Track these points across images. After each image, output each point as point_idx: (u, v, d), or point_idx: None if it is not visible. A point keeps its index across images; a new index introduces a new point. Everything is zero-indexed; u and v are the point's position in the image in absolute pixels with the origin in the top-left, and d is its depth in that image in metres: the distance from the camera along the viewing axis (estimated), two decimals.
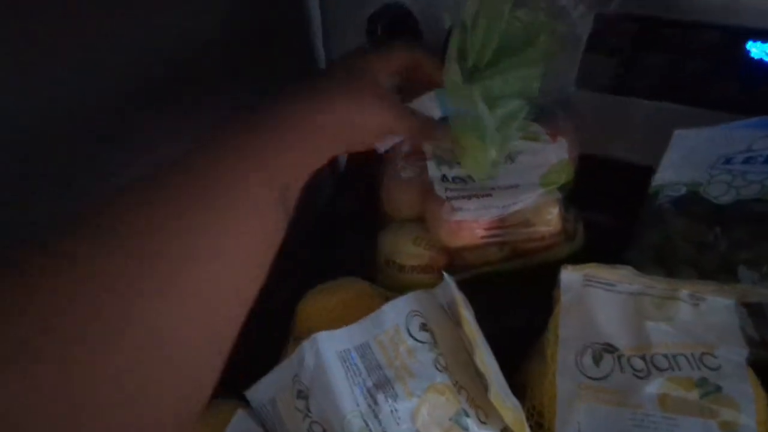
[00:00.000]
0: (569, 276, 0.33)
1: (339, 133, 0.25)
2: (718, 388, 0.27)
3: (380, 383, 0.29)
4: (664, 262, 0.37)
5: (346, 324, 0.31)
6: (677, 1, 0.33)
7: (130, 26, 0.31)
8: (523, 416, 0.29)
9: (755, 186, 0.32)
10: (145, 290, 0.14)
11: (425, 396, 0.29)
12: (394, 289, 0.37)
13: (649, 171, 0.37)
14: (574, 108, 0.37)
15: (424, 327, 0.32)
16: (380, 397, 0.28)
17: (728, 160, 0.31)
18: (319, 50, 0.48)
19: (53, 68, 0.27)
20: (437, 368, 0.30)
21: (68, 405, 0.12)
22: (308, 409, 0.28)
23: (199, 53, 0.37)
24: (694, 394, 0.27)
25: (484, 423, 0.29)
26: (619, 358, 0.29)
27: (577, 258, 0.34)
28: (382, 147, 0.33)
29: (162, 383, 0.15)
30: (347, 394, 0.27)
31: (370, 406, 0.28)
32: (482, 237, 0.36)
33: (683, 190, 0.34)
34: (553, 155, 0.34)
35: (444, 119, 0.32)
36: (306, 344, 0.28)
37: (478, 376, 0.31)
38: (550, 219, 0.37)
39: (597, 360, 0.30)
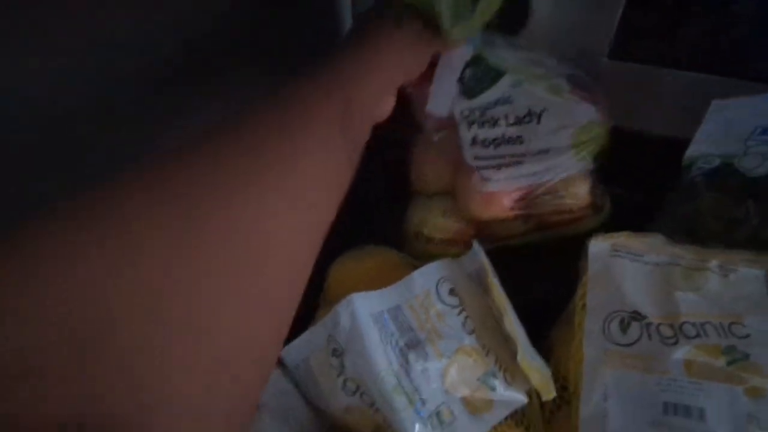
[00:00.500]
0: (597, 246, 0.33)
1: (391, 59, 0.26)
2: (746, 356, 0.28)
3: (412, 344, 0.30)
4: (693, 237, 0.37)
5: (377, 289, 0.32)
6: None
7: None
8: (550, 378, 0.30)
9: None
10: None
11: (454, 357, 0.30)
12: (422, 259, 0.37)
13: (679, 144, 0.36)
14: (605, 79, 0.37)
15: (452, 292, 0.32)
16: (412, 356, 0.29)
17: (765, 131, 0.30)
18: (347, 15, 0.48)
19: (73, 46, 0.27)
20: (465, 331, 0.31)
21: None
22: (343, 367, 0.30)
23: (223, 23, 0.37)
24: (721, 361, 0.28)
25: (510, 384, 0.30)
26: (647, 325, 0.30)
27: (602, 232, 0.34)
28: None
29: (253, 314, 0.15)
30: (381, 354, 0.29)
31: (402, 365, 0.29)
32: (512, 208, 0.37)
33: (717, 163, 0.33)
34: (582, 115, 0.33)
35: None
36: (341, 305, 0.30)
37: (505, 342, 0.32)
38: (580, 192, 0.37)
39: (624, 327, 0.30)
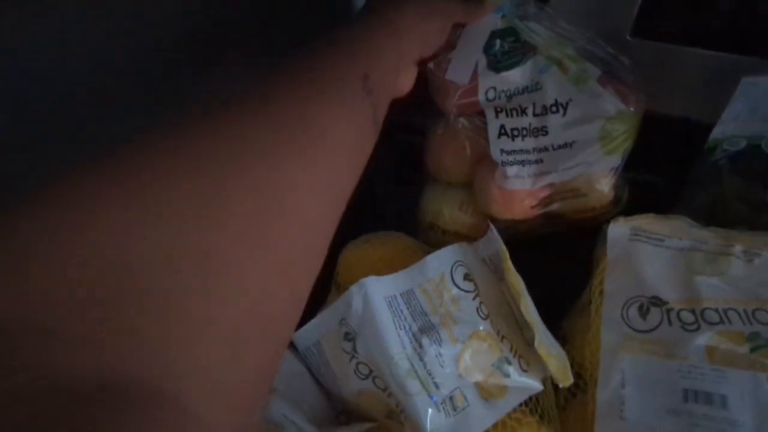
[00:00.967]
0: (616, 230, 0.32)
1: (413, 30, 0.25)
2: None
3: (425, 328, 0.29)
4: (716, 223, 0.36)
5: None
6: None
7: None
8: (567, 364, 0.29)
9: None
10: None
11: (468, 342, 0.29)
12: (435, 248, 0.36)
13: (701, 127, 0.35)
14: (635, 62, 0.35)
15: (467, 277, 0.32)
16: (425, 341, 0.29)
17: None
18: None
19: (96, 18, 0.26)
20: (480, 316, 0.30)
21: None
22: (355, 350, 0.29)
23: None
24: (744, 348, 0.27)
25: (525, 371, 0.29)
26: (668, 311, 0.29)
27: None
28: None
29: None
30: (394, 337, 0.28)
31: (415, 349, 0.28)
32: (532, 208, 0.35)
33: (743, 144, 0.32)
34: (611, 105, 0.32)
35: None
36: (354, 288, 0.29)
37: (519, 329, 0.32)
38: (605, 190, 0.35)
39: (644, 313, 0.29)
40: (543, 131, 0.33)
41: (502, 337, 0.30)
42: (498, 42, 0.32)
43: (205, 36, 0.33)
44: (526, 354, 0.30)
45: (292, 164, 0.16)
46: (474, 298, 0.31)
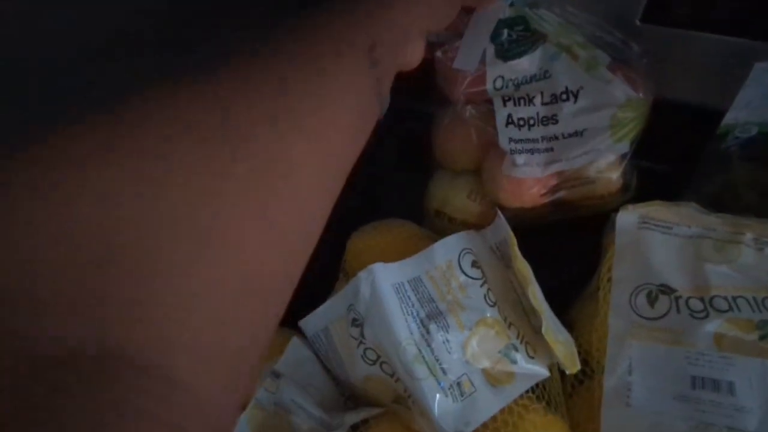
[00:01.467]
0: (625, 218, 0.32)
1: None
2: None
3: (433, 315, 0.29)
4: (725, 211, 0.36)
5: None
6: None
7: None
8: (575, 350, 0.29)
9: None
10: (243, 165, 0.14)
11: (476, 329, 0.30)
12: (441, 236, 0.36)
13: (712, 114, 0.35)
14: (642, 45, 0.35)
15: (475, 264, 0.32)
16: (433, 327, 0.29)
17: None
18: None
19: None
20: (488, 303, 0.31)
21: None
22: (363, 336, 0.29)
23: None
24: (753, 336, 0.27)
25: (532, 358, 0.30)
26: (676, 299, 0.29)
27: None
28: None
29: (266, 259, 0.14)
30: (402, 323, 0.28)
31: (423, 335, 0.29)
32: (541, 196, 0.35)
33: (754, 131, 0.32)
34: (621, 93, 0.31)
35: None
36: (362, 275, 0.29)
37: (526, 317, 0.32)
38: (613, 178, 0.35)
39: (652, 300, 0.29)
40: (553, 120, 0.33)
41: (510, 324, 0.30)
42: (506, 31, 0.32)
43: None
44: (533, 341, 0.30)
45: (291, 136, 0.15)
46: (481, 285, 0.31)
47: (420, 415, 0.28)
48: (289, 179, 0.15)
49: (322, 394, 0.33)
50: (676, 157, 0.40)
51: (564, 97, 0.32)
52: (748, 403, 0.26)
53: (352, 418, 0.29)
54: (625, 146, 0.34)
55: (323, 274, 0.37)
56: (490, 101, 0.34)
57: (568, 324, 0.33)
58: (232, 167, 0.13)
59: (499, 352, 0.29)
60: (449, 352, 0.29)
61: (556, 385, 0.31)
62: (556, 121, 0.33)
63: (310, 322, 0.33)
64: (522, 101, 0.33)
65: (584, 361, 0.31)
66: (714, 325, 0.27)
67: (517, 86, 0.33)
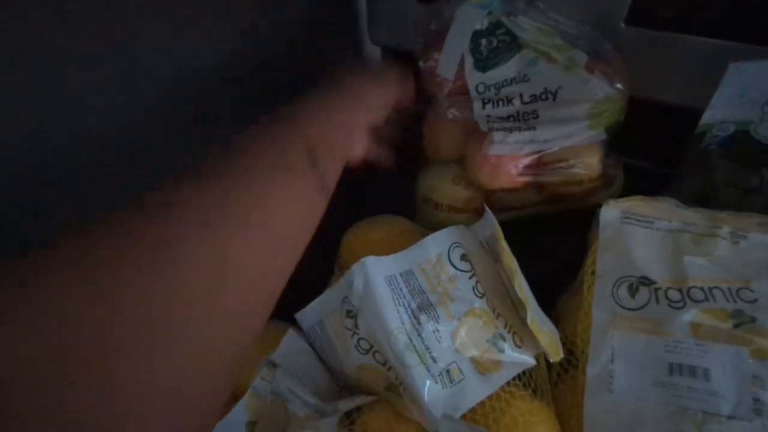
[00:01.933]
0: (609, 212, 0.33)
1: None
2: (753, 319, 0.28)
3: (423, 306, 0.31)
4: (706, 208, 0.37)
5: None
6: None
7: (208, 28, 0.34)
8: (558, 340, 0.30)
9: None
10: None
11: (464, 319, 0.31)
12: (431, 227, 0.38)
13: (692, 114, 0.36)
14: (622, 46, 0.36)
15: (464, 257, 0.33)
16: (423, 317, 0.30)
17: None
18: (366, 42, 0.50)
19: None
20: (476, 295, 0.32)
21: (148, 321, 0.14)
22: (356, 327, 0.31)
23: (262, 52, 0.40)
24: (728, 324, 0.28)
25: (519, 347, 0.31)
26: (656, 290, 0.30)
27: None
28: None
29: (230, 305, 0.16)
30: (393, 314, 0.30)
31: (414, 325, 0.30)
32: (519, 176, 0.37)
33: (732, 130, 0.33)
34: (599, 90, 0.33)
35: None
36: (355, 268, 0.30)
37: (514, 308, 0.33)
38: (591, 162, 0.37)
39: (633, 292, 0.31)
40: (533, 114, 0.34)
41: (497, 315, 0.31)
42: (483, 41, 0.33)
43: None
44: (520, 331, 0.31)
45: (236, 238, 0.17)
46: (470, 278, 0.32)
47: (411, 402, 0.29)
48: (233, 274, 0.17)
49: (317, 384, 0.34)
50: (663, 156, 0.42)
51: (543, 97, 0.33)
52: (722, 389, 0.27)
53: (346, 405, 0.30)
54: (600, 133, 0.35)
55: (319, 269, 0.39)
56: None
57: (555, 316, 0.34)
58: (182, 269, 0.15)
59: (487, 341, 0.31)
60: (439, 341, 0.30)
61: (543, 373, 0.32)
62: (537, 116, 0.34)
63: (306, 315, 0.34)
64: (501, 102, 0.34)
65: (569, 351, 0.32)
66: (691, 315, 0.29)
67: (498, 89, 0.34)
